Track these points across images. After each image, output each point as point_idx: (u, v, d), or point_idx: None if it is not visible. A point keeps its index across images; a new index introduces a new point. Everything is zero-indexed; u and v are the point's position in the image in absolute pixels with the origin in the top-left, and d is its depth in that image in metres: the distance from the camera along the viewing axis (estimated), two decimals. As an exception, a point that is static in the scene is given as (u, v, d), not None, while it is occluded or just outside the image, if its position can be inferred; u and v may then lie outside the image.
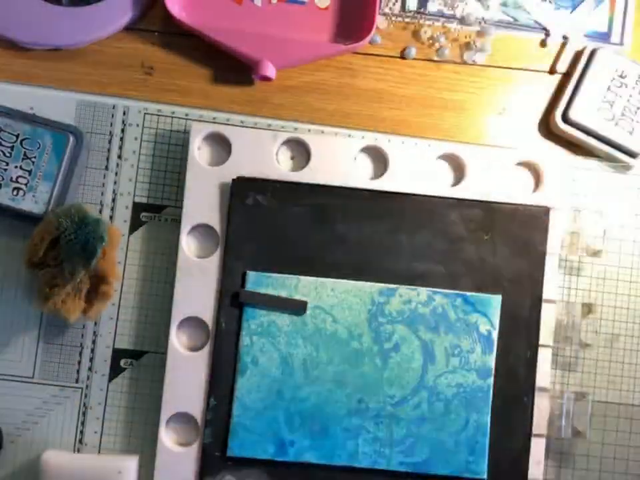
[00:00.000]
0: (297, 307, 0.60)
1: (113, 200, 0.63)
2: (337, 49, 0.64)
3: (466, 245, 0.62)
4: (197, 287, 0.61)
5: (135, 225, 0.63)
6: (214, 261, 0.61)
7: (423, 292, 0.61)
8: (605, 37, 0.66)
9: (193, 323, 0.61)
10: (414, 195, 0.62)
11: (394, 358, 0.61)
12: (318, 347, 0.60)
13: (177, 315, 0.60)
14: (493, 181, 0.63)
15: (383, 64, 0.65)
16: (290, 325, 0.60)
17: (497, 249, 0.62)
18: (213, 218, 0.61)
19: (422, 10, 0.66)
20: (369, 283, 0.61)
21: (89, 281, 0.59)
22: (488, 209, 0.62)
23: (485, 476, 0.60)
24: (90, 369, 0.62)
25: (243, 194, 0.61)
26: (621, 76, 0.64)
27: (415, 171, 0.62)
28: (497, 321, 0.61)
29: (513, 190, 0.63)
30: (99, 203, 0.63)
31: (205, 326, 0.61)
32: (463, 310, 0.61)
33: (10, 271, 0.62)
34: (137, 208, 0.63)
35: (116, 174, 0.63)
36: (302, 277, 0.61)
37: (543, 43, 0.66)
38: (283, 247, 0.61)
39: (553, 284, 0.62)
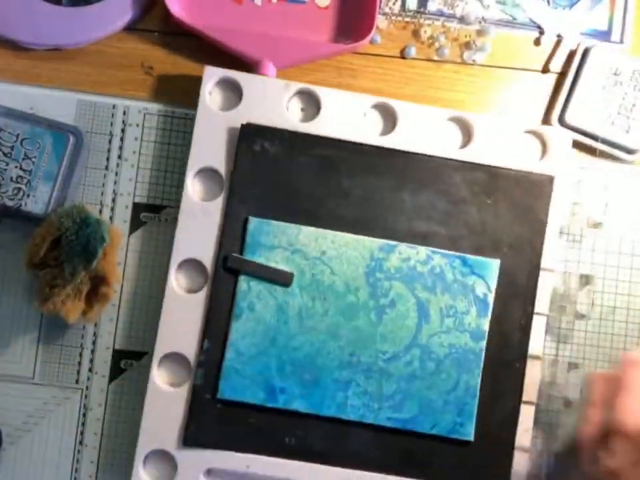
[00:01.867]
0: (283, 279, 0.61)
1: (113, 200, 0.63)
2: (338, 48, 0.64)
3: (468, 207, 0.62)
4: (198, 229, 0.61)
5: (134, 225, 0.63)
6: (217, 204, 0.61)
7: (423, 251, 0.61)
8: (605, 35, 0.66)
9: (193, 264, 0.61)
10: (420, 154, 0.62)
11: (389, 314, 0.61)
12: (314, 297, 0.61)
13: (177, 255, 0.61)
14: (500, 146, 0.63)
15: (383, 64, 0.66)
16: (288, 273, 0.61)
17: (498, 213, 0.62)
18: (220, 162, 0.61)
19: (422, 9, 0.66)
20: (369, 238, 0.61)
21: (89, 281, 0.59)
22: (492, 173, 0.62)
23: (472, 438, 0.60)
24: (90, 369, 0.62)
25: (251, 140, 0.61)
26: (615, 74, 0.64)
27: (423, 130, 0.63)
28: (493, 285, 0.61)
29: (518, 157, 0.63)
30: (98, 203, 0.63)
31: (204, 269, 0.61)
32: (460, 271, 0.61)
33: (10, 271, 0.62)
34: (137, 208, 0.63)
35: (116, 174, 0.64)
36: (303, 227, 0.61)
37: (538, 42, 0.66)
38: (287, 196, 0.61)
39: (552, 253, 0.62)
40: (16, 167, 0.60)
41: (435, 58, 0.66)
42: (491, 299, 0.61)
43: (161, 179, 0.63)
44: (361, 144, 0.62)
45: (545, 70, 0.66)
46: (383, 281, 0.61)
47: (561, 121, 0.64)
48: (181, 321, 0.60)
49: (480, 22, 0.66)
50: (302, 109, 0.64)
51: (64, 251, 0.58)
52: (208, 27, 0.63)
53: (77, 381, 0.62)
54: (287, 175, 0.61)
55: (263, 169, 0.61)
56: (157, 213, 0.63)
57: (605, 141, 0.64)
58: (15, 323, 0.62)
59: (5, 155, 0.60)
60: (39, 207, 0.60)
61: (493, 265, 0.62)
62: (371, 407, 0.60)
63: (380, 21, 0.66)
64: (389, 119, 0.63)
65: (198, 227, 0.61)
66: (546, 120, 0.65)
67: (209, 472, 0.60)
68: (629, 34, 0.66)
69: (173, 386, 0.61)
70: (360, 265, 0.61)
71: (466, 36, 0.66)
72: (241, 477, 0.60)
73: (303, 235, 0.61)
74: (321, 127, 0.62)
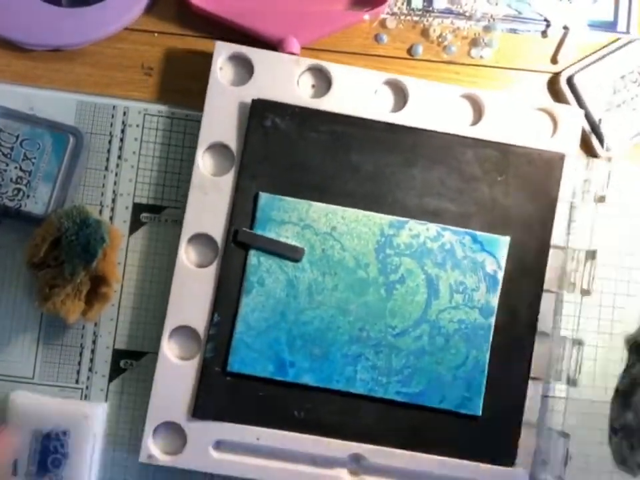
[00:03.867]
0: (293, 254, 0.61)
1: (113, 200, 0.63)
2: (357, 16, 0.64)
3: (479, 184, 0.62)
4: (209, 204, 0.61)
5: (134, 225, 0.63)
6: (228, 180, 0.62)
7: (433, 227, 0.62)
8: (611, 26, 0.66)
9: (203, 239, 0.62)
10: (431, 131, 0.62)
11: (398, 290, 0.61)
12: (324, 272, 0.61)
13: (188, 230, 0.61)
14: (511, 123, 0.63)
15: (390, 64, 0.65)
16: (298, 248, 0.61)
17: (509, 191, 0.62)
18: (230, 137, 0.62)
19: (429, 8, 0.66)
20: (379, 214, 0.61)
21: (89, 282, 0.59)
22: (504, 150, 0.62)
23: (480, 412, 0.61)
24: (90, 369, 0.63)
25: (262, 115, 0.61)
26: None
27: (434, 107, 0.63)
28: (503, 262, 0.62)
29: (529, 134, 0.63)
30: (98, 204, 0.63)
31: (215, 243, 0.61)
32: (470, 248, 0.62)
33: (10, 272, 0.62)
34: (137, 209, 0.63)
35: (116, 175, 0.64)
36: (313, 203, 0.61)
37: (545, 34, 0.66)
38: (297, 172, 0.62)
39: (562, 230, 0.62)
40: (16, 167, 0.60)
41: (444, 56, 0.66)
42: (500, 275, 0.62)
43: (160, 179, 0.63)
44: (371, 120, 0.62)
45: (554, 61, 0.66)
46: (392, 257, 0.61)
47: (569, 80, 0.65)
48: (191, 294, 0.61)
49: (488, 20, 0.66)
50: (313, 85, 0.64)
51: (64, 251, 0.58)
52: (227, 11, 0.63)
53: (76, 381, 0.62)
54: (297, 150, 0.62)
55: (274, 144, 0.61)
56: (156, 213, 0.64)
57: (591, 122, 0.64)
58: (15, 322, 0.62)
59: (4, 155, 0.60)
60: (38, 208, 0.60)
61: (504, 242, 0.62)
62: (380, 381, 0.61)
63: (388, 21, 0.65)
64: (400, 95, 0.63)
65: (208, 201, 0.61)
66: (554, 78, 0.65)
67: (218, 444, 0.61)
68: (634, 24, 0.66)
69: (182, 359, 0.61)
70: (370, 240, 0.61)
71: (474, 33, 0.66)
72: (250, 449, 0.61)
73: (313, 211, 0.61)
74: (331, 103, 0.62)
